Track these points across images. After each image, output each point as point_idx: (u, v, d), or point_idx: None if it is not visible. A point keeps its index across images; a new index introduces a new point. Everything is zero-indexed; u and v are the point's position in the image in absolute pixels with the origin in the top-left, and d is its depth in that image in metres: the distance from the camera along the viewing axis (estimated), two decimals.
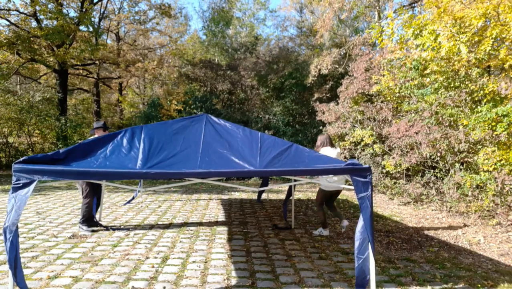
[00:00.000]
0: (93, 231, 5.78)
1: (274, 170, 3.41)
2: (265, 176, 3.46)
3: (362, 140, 10.30)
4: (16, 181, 2.98)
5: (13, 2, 19.37)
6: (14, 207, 2.94)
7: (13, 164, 3.00)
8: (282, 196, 10.37)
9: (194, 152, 3.67)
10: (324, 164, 3.48)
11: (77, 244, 5.12)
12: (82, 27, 16.97)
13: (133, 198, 8.81)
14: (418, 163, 8.49)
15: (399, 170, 8.88)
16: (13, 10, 15.90)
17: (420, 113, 8.27)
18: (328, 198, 5.92)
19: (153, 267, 4.25)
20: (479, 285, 3.86)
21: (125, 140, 3.73)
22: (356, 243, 3.37)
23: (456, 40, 5.86)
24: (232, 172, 3.36)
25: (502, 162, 6.04)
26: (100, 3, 18.89)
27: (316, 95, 16.62)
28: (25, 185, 2.99)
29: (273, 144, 3.77)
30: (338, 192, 5.86)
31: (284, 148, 3.70)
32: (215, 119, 4.31)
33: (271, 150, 3.68)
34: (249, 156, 3.61)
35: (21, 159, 3.09)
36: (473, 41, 6.18)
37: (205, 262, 4.46)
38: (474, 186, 6.89)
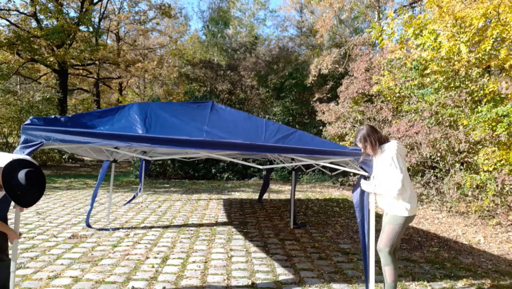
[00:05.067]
0: None
1: (281, 146, 3.40)
2: (272, 152, 3.43)
3: None
4: (23, 142, 2.98)
5: (13, 2, 19.36)
6: None
7: (22, 126, 3.00)
8: (282, 196, 10.36)
9: (200, 128, 3.61)
10: (330, 147, 3.55)
11: (77, 244, 5.12)
12: (82, 27, 16.98)
13: (134, 197, 8.81)
14: (418, 163, 8.49)
15: None
16: (13, 10, 15.91)
17: (420, 113, 8.27)
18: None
19: (153, 267, 4.25)
20: (479, 285, 3.86)
21: (131, 112, 3.72)
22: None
23: (457, 40, 5.85)
24: (239, 144, 3.31)
25: (502, 162, 6.04)
26: (100, 3, 18.90)
27: (316, 95, 16.62)
28: (31, 146, 2.98)
29: (277, 129, 3.80)
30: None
31: (289, 132, 3.74)
32: (221, 105, 4.32)
33: (275, 133, 3.69)
34: (255, 136, 3.62)
35: (28, 121, 3.08)
36: (473, 41, 6.17)
37: (205, 262, 4.46)
38: (474, 186, 6.89)
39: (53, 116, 3.29)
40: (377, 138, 3.23)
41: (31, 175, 2.51)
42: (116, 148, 6.39)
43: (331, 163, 4.00)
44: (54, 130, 3.04)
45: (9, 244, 2.98)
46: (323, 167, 6.82)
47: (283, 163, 7.05)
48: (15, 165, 2.51)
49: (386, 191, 3.12)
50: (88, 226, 6.10)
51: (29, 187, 2.49)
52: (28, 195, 2.52)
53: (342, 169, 3.88)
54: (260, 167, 3.86)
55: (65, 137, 3.04)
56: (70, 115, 3.42)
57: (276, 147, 3.40)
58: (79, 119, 3.39)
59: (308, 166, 7.34)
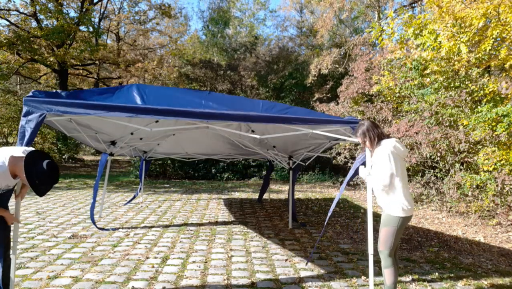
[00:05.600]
0: None
1: (280, 116, 3.50)
2: (270, 122, 3.51)
3: None
4: (25, 114, 2.98)
5: (13, 2, 19.37)
6: (26, 134, 2.97)
7: (24, 98, 3.02)
8: (282, 196, 10.36)
9: (199, 104, 3.66)
10: (326, 117, 3.72)
11: (77, 244, 5.12)
12: (82, 27, 16.97)
13: (134, 197, 8.81)
14: (418, 163, 8.49)
15: None
16: (13, 10, 15.91)
17: (420, 113, 8.26)
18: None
19: (153, 267, 4.25)
20: (479, 285, 3.86)
21: (130, 91, 3.75)
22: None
23: (457, 40, 5.85)
24: (240, 115, 3.36)
25: (502, 162, 6.04)
26: (100, 3, 18.90)
27: (316, 95, 16.62)
28: (35, 119, 2.99)
29: (274, 105, 3.89)
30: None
31: (286, 107, 3.85)
32: (217, 93, 4.40)
33: (272, 107, 3.77)
34: (252, 110, 3.69)
35: (30, 93, 3.07)
36: (473, 41, 6.17)
37: (205, 262, 4.46)
38: (474, 186, 6.89)
39: (54, 90, 3.30)
40: (376, 134, 3.23)
41: (51, 166, 2.65)
42: (113, 142, 6.39)
43: (327, 131, 4.09)
44: (56, 102, 3.04)
45: (10, 245, 2.98)
46: (323, 151, 6.80)
47: (282, 163, 7.06)
48: (36, 155, 2.64)
49: (374, 184, 3.17)
50: (93, 221, 6.04)
51: (48, 177, 2.63)
52: (46, 185, 2.65)
53: (338, 137, 3.96)
54: (257, 136, 3.90)
55: (66, 109, 3.05)
56: (70, 91, 3.44)
57: (274, 116, 3.49)
58: (79, 94, 3.42)
59: (306, 160, 7.31)
